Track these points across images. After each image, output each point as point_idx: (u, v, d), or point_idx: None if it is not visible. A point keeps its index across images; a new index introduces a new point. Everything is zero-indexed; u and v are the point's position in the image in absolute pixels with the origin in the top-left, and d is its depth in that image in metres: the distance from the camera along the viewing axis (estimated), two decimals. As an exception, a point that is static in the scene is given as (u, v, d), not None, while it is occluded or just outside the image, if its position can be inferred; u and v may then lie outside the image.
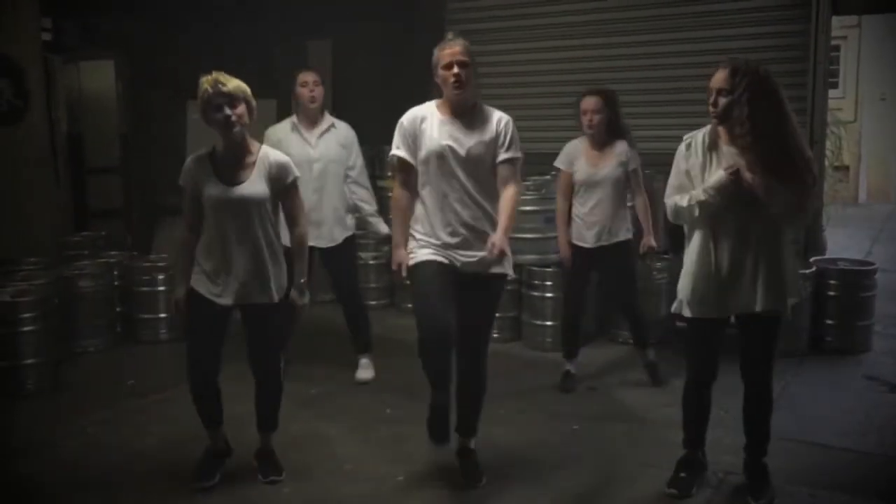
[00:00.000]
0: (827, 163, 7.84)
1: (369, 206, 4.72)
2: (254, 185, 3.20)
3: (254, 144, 3.29)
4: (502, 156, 3.29)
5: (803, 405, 4.32)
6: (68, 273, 5.34)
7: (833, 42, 6.97)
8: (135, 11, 7.62)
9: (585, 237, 4.45)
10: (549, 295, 5.34)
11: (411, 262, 3.28)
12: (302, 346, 5.33)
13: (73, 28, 7.93)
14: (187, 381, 3.33)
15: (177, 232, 3.49)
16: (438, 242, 3.27)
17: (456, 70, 3.21)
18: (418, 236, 3.32)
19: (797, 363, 4.96)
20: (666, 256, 5.43)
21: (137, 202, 8.12)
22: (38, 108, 6.14)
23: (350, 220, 4.72)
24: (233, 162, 3.22)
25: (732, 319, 3.22)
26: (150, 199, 7.84)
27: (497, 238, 3.15)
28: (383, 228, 4.68)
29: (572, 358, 4.66)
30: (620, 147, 4.41)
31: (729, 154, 3.03)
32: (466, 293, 3.27)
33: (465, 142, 3.26)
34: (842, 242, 8.04)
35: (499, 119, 3.33)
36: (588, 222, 4.42)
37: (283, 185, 3.27)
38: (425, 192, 3.31)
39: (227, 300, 3.24)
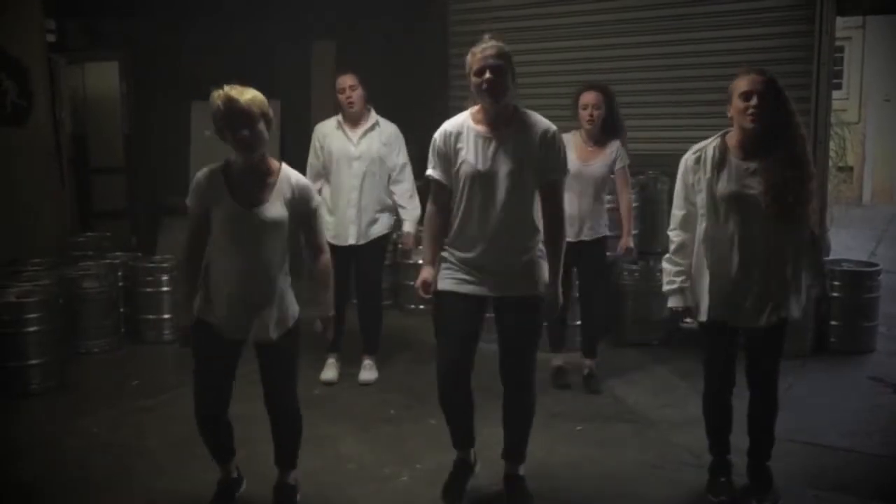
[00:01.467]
0: (831, 164, 7.84)
1: (402, 198, 4.72)
2: (274, 207, 2.91)
3: (273, 163, 2.99)
4: (549, 176, 3.06)
5: (808, 406, 4.31)
6: (73, 274, 5.34)
7: (837, 43, 6.96)
8: (139, 12, 7.63)
9: (568, 231, 4.34)
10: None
11: (439, 287, 3.13)
12: (304, 348, 5.34)
13: (77, 29, 7.94)
14: (194, 416, 3.07)
15: (180, 234, 3.37)
16: (470, 267, 3.08)
17: (488, 76, 2.95)
18: (449, 258, 3.13)
19: (801, 364, 4.95)
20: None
21: (142, 203, 8.14)
22: (42, 109, 6.16)
23: (387, 220, 4.74)
24: (251, 180, 2.91)
25: None
26: (155, 199, 7.86)
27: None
28: (407, 226, 4.74)
29: (559, 351, 4.67)
30: (613, 145, 4.40)
31: (738, 169, 3.01)
32: (502, 316, 3.14)
33: (504, 161, 3.01)
34: (846, 243, 8.03)
35: (545, 131, 3.05)
36: (571, 216, 4.26)
37: (304, 210, 2.99)
38: (461, 212, 3.08)
39: (237, 334, 2.96)
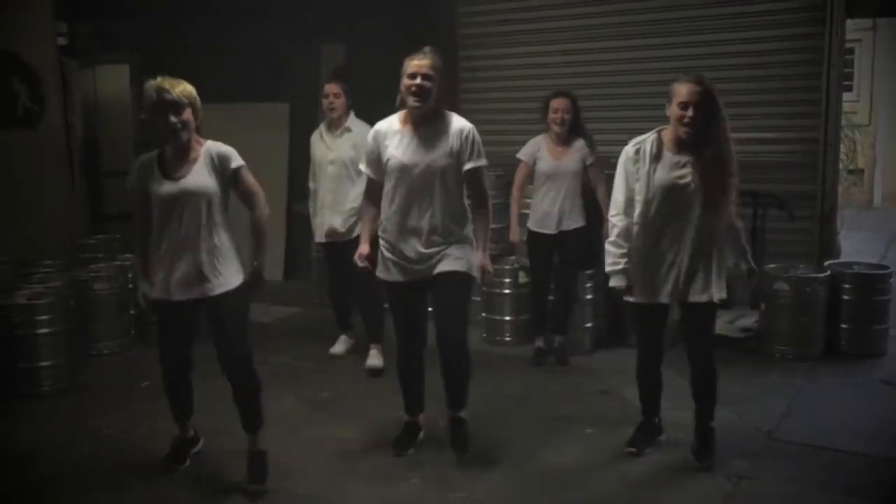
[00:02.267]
0: (841, 166, 7.80)
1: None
2: (197, 176, 3.26)
3: (198, 141, 3.33)
4: (468, 165, 3.48)
5: (819, 410, 4.29)
6: (83, 276, 5.38)
7: (847, 45, 6.94)
8: (149, 16, 7.67)
9: (548, 224, 4.93)
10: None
11: (379, 276, 3.61)
12: (311, 349, 5.37)
13: (88, 32, 7.98)
14: (162, 379, 3.50)
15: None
16: (400, 256, 3.53)
17: (418, 81, 3.38)
18: (384, 250, 3.59)
19: (812, 368, 4.94)
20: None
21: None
22: (54, 113, 6.19)
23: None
24: (177, 159, 3.31)
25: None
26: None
27: (483, 261, 3.58)
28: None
29: (542, 334, 5.15)
30: (579, 143, 4.92)
31: (669, 162, 3.39)
32: (434, 292, 3.59)
33: (424, 156, 3.44)
34: (856, 246, 7.98)
35: (461, 129, 3.49)
36: (551, 211, 4.90)
37: (228, 173, 3.31)
38: (390, 205, 3.52)
39: (178, 296, 3.28)
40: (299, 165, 7.16)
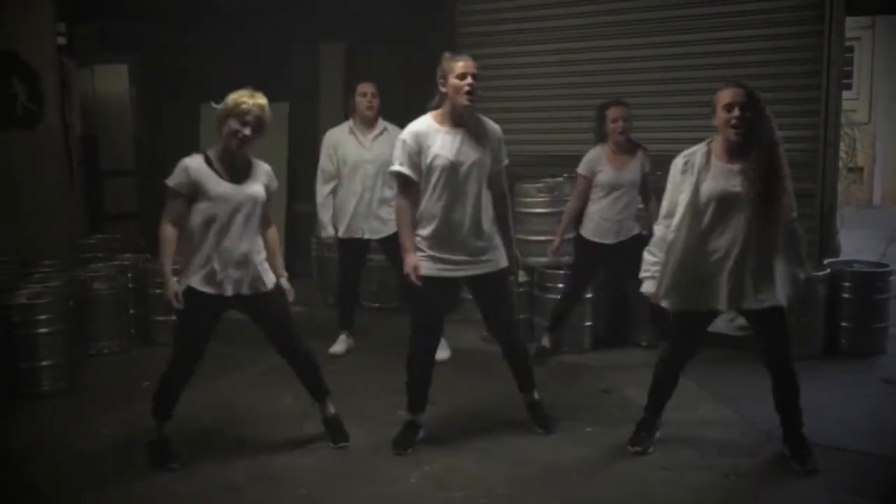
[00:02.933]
0: (841, 164, 7.80)
1: None
2: (256, 185, 3.60)
3: (248, 155, 3.62)
4: (501, 165, 3.75)
5: (820, 409, 4.26)
6: (83, 275, 5.37)
7: (847, 43, 6.93)
8: (149, 16, 7.67)
9: (607, 235, 4.86)
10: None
11: (422, 273, 3.66)
12: (315, 348, 5.35)
13: (87, 32, 7.97)
14: (169, 373, 3.64)
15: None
16: (446, 251, 3.65)
17: (470, 80, 3.53)
18: (425, 247, 3.67)
19: (812, 366, 4.92)
20: None
21: (151, 205, 8.15)
22: (53, 112, 6.19)
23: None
24: (233, 165, 3.55)
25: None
26: (164, 201, 7.87)
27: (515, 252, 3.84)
28: None
29: (554, 334, 5.13)
30: (641, 153, 4.87)
31: (719, 170, 3.39)
32: (477, 290, 3.82)
33: (471, 153, 3.60)
34: (856, 244, 7.97)
35: (495, 129, 3.73)
36: (613, 220, 4.83)
37: (270, 192, 3.69)
38: (432, 204, 3.63)
39: (228, 291, 3.52)
40: (299, 165, 7.18)
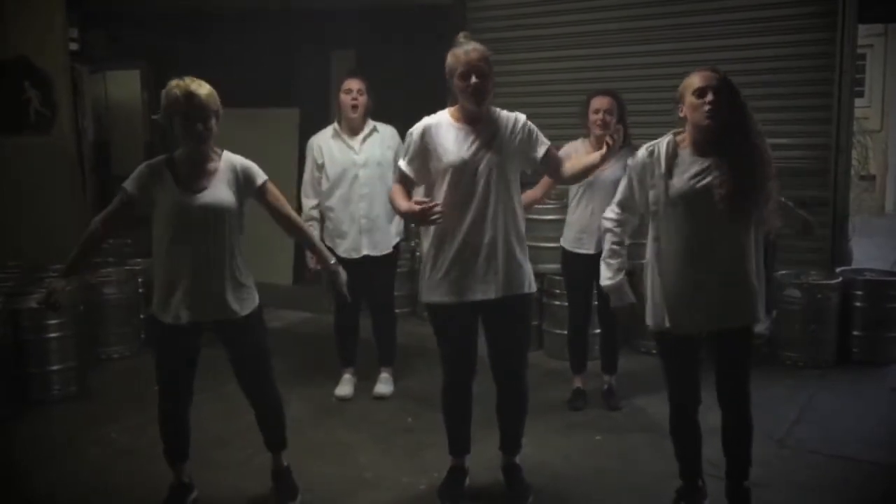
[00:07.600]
0: (853, 172, 7.75)
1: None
2: (217, 191, 2.99)
3: (215, 151, 3.07)
4: (540, 151, 3.22)
5: (830, 418, 4.26)
6: (94, 280, 5.39)
7: (859, 50, 6.90)
8: (160, 22, 7.72)
9: (586, 243, 4.26)
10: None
11: (426, 300, 3.24)
12: (322, 354, 5.36)
13: (100, 39, 8.04)
14: (159, 414, 3.19)
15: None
16: (453, 272, 3.13)
17: (475, 80, 3.03)
18: (434, 268, 3.17)
19: (823, 375, 4.90)
20: None
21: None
22: (65, 118, 6.22)
23: (397, 226, 4.56)
24: (193, 169, 3.01)
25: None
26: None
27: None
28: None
29: (581, 372, 4.54)
30: (626, 151, 3.94)
31: (689, 166, 2.88)
32: (490, 319, 3.24)
33: (484, 152, 3.10)
34: (868, 252, 7.94)
35: (515, 121, 3.20)
36: (589, 227, 4.20)
37: (252, 189, 3.08)
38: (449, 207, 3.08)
39: (184, 318, 2.99)
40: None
